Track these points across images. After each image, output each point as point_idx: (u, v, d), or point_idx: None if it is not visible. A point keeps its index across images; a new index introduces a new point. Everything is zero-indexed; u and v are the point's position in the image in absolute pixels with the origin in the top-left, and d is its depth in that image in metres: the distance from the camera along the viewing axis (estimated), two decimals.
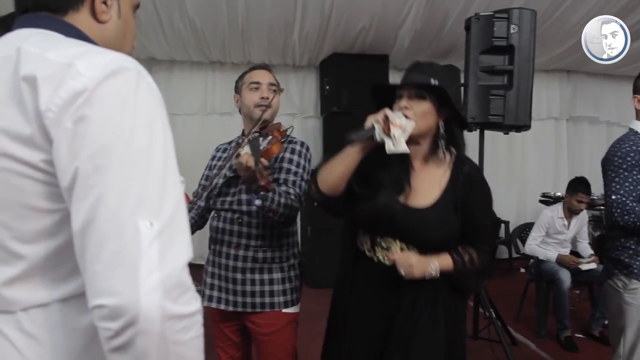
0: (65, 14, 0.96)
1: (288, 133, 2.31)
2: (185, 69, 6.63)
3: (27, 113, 0.80)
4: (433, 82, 1.81)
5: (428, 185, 1.84)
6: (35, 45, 0.86)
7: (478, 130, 3.79)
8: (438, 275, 1.79)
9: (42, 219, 0.85)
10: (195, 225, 2.43)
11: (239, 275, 2.18)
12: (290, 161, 2.22)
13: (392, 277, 1.80)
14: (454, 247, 1.85)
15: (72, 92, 0.78)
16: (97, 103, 0.79)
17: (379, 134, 1.71)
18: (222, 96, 6.57)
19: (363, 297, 1.92)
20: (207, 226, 2.42)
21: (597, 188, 4.41)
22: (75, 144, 0.78)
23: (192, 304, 0.81)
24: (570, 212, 4.53)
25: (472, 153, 3.91)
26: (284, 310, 2.20)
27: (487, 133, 3.85)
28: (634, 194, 2.29)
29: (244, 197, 2.17)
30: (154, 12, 4.96)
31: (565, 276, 4.20)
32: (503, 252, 6.83)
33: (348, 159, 1.81)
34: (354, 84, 5.65)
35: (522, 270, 6.30)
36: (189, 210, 2.41)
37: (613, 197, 2.33)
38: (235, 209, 2.21)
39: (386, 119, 1.71)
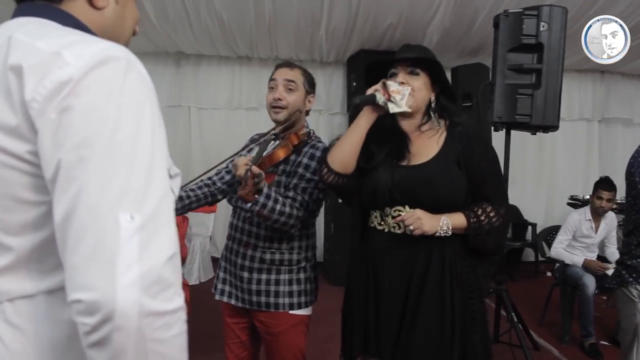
0: (61, 1, 0.95)
1: (307, 139, 2.23)
2: (213, 63, 6.65)
3: (14, 103, 0.79)
4: None
5: (426, 146, 1.94)
6: (26, 34, 0.85)
7: (504, 130, 3.71)
8: (450, 231, 1.82)
9: (29, 211, 0.84)
10: (196, 204, 2.37)
11: (245, 274, 2.18)
12: (307, 167, 2.16)
13: (405, 245, 1.88)
14: (467, 206, 1.89)
15: (58, 82, 0.77)
16: (83, 93, 0.78)
17: (380, 99, 1.86)
18: (248, 91, 6.60)
19: (382, 268, 1.94)
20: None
21: None
22: (59, 134, 0.77)
23: (175, 300, 0.79)
24: (598, 215, 4.42)
25: (498, 153, 3.86)
26: (290, 312, 2.18)
27: (516, 133, 3.78)
28: None
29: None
30: (182, 6, 4.97)
31: (590, 281, 4.09)
32: (529, 255, 6.72)
33: (357, 130, 1.93)
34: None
35: (549, 274, 6.18)
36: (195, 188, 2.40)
37: None
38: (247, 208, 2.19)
39: (384, 86, 1.87)
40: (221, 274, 2.30)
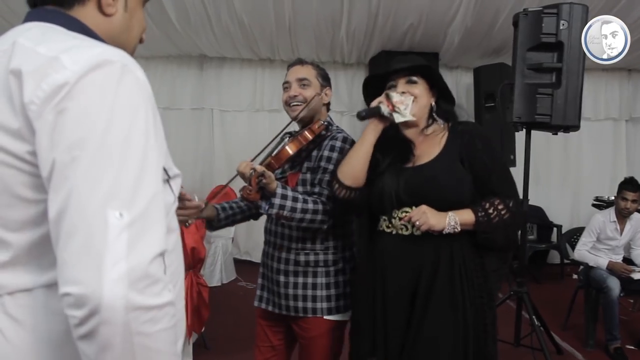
0: (71, 7, 0.99)
1: (325, 132, 2.17)
2: (236, 66, 6.71)
3: (15, 106, 0.83)
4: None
5: (429, 147, 1.96)
6: (30, 39, 0.88)
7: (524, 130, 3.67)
8: (458, 228, 1.81)
9: (28, 208, 0.87)
10: (233, 216, 2.35)
11: (282, 278, 2.14)
12: (328, 159, 2.11)
13: (413, 246, 1.88)
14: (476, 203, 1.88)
15: (54, 85, 0.80)
16: (78, 96, 0.81)
17: (384, 110, 1.89)
18: (271, 93, 6.64)
19: (389, 271, 1.92)
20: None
21: None
22: (55, 135, 0.80)
23: (163, 295, 0.81)
24: (622, 217, 4.34)
25: (520, 153, 3.80)
26: (326, 317, 2.12)
27: (541, 133, 3.73)
28: None
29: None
30: (203, 10, 5.03)
31: (614, 284, 4.00)
32: (555, 257, 6.62)
33: (365, 144, 1.95)
34: None
35: (575, 276, 6.08)
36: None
37: None
38: None
39: (388, 98, 1.90)
40: (259, 280, 2.28)
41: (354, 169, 1.94)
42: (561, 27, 3.32)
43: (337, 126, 2.27)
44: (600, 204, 5.74)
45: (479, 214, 1.83)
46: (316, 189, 2.08)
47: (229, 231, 6.01)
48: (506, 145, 5.73)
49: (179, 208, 1.03)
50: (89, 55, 0.84)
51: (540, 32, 3.38)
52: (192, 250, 3.29)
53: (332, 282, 2.14)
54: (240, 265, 6.29)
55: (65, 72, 0.81)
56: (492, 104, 5.72)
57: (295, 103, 2.17)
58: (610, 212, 4.43)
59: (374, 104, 1.92)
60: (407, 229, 1.90)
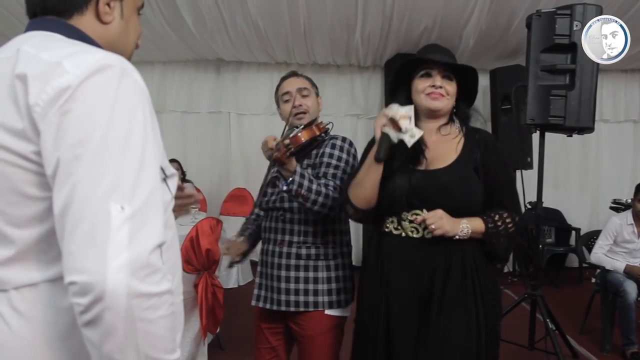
0: (70, 17, 1.04)
1: (328, 129, 2.32)
2: (252, 69, 6.77)
3: (20, 109, 0.88)
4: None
5: (445, 151, 1.93)
6: (33, 46, 0.94)
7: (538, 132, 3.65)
8: (469, 233, 1.82)
9: (33, 205, 0.92)
10: (255, 234, 2.45)
11: (283, 273, 2.18)
12: (331, 155, 2.21)
13: (422, 250, 1.87)
14: (484, 212, 1.88)
15: (58, 89, 0.85)
16: (80, 98, 0.86)
17: (395, 137, 1.81)
18: None
19: (396, 275, 1.92)
20: None
21: None
22: (59, 135, 0.85)
23: (162, 284, 0.86)
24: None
25: (537, 156, 3.77)
26: (327, 312, 2.17)
27: (558, 136, 3.70)
28: None
29: (285, 193, 2.18)
30: (218, 14, 5.08)
31: (631, 288, 3.94)
32: (573, 260, 6.55)
33: (373, 171, 1.91)
34: None
35: (593, 280, 6.01)
36: (251, 222, 2.50)
37: None
38: (278, 207, 2.24)
39: (391, 121, 1.81)
40: (257, 280, 2.32)
41: (366, 193, 1.93)
42: (575, 28, 3.30)
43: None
44: (618, 206, 5.67)
45: (489, 225, 1.84)
46: (322, 181, 2.13)
47: None
48: (523, 147, 5.70)
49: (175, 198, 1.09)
50: (90, 61, 0.89)
51: (553, 33, 3.36)
52: (207, 252, 3.32)
53: (333, 277, 2.19)
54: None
55: (68, 76, 0.86)
56: (509, 106, 5.69)
57: (300, 111, 2.27)
58: (628, 215, 4.36)
59: (378, 133, 1.84)
60: (417, 232, 1.88)
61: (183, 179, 5.55)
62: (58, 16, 1.04)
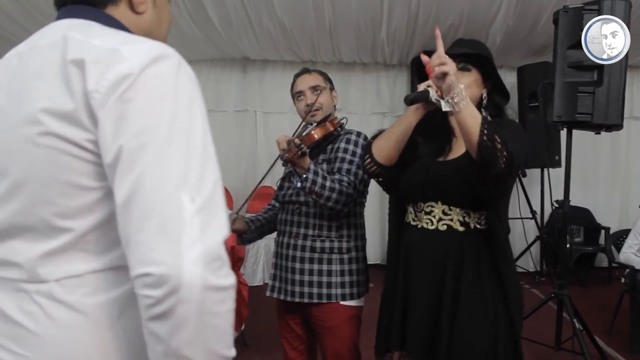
0: (104, 7, 1.03)
1: (343, 124, 2.38)
2: (278, 68, 6.79)
3: (73, 93, 0.86)
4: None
5: (462, 143, 1.85)
6: (80, 33, 0.92)
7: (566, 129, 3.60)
8: (463, 102, 1.62)
9: (84, 196, 0.90)
10: (267, 226, 2.52)
11: (297, 265, 2.24)
12: (345, 150, 2.25)
13: (437, 242, 1.87)
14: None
15: (119, 76, 0.84)
16: (142, 86, 0.85)
17: (433, 95, 1.77)
18: None
19: (413, 265, 1.93)
20: None
21: None
22: (121, 123, 0.83)
23: (229, 278, 0.85)
24: None
25: (564, 153, 3.71)
26: (342, 303, 2.22)
27: (587, 133, 3.66)
28: None
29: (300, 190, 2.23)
30: (244, 13, 5.11)
31: None
32: (603, 260, 6.44)
33: (404, 124, 1.89)
34: None
35: (623, 280, 5.91)
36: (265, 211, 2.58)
37: None
38: (294, 200, 2.30)
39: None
40: (272, 271, 2.38)
41: (389, 148, 1.91)
42: None
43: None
44: None
45: (485, 126, 1.63)
46: (336, 177, 2.17)
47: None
48: (550, 145, 5.63)
49: None
50: (147, 48, 0.88)
51: (580, 29, 3.31)
52: (232, 249, 3.34)
53: (347, 270, 2.25)
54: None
55: (127, 63, 0.85)
56: (536, 104, 5.63)
57: (314, 109, 2.31)
58: None
59: (421, 87, 1.82)
60: (432, 224, 1.89)
61: None
62: (91, 6, 1.02)
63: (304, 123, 2.30)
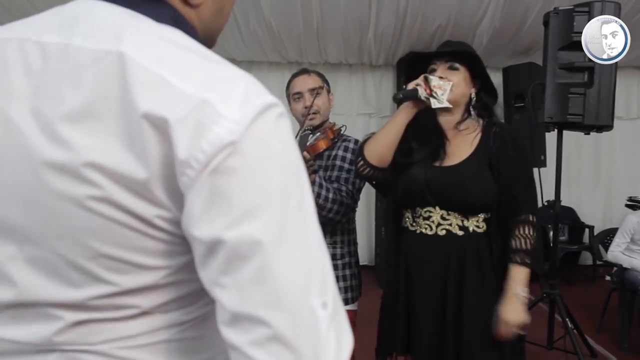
0: None
1: (342, 132, 2.36)
2: (263, 69, 6.76)
3: (148, 159, 0.62)
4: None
5: (460, 147, 1.93)
6: (140, 50, 0.64)
7: (556, 130, 3.63)
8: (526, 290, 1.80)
9: (144, 276, 0.69)
10: None
11: None
12: (344, 159, 2.24)
13: (436, 247, 1.89)
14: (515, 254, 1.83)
15: (219, 145, 0.60)
16: (244, 153, 0.61)
17: (422, 93, 1.84)
18: None
19: (413, 273, 1.94)
20: None
21: None
22: (217, 204, 0.61)
23: None
24: None
25: (550, 154, 3.75)
26: None
27: (571, 133, 3.68)
28: None
29: None
30: (231, 14, 5.06)
31: None
32: (587, 258, 6.53)
33: (395, 123, 1.92)
34: None
35: (607, 277, 5.98)
36: None
37: None
38: None
39: (426, 81, 1.86)
40: None
41: (381, 149, 1.92)
42: None
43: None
44: (635, 204, 5.63)
45: (527, 261, 1.82)
46: (334, 185, 2.16)
47: None
48: (536, 145, 5.67)
49: None
50: (243, 96, 0.63)
51: (571, 30, 3.32)
52: None
53: (340, 276, 2.25)
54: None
55: (227, 124, 0.60)
56: (522, 104, 5.68)
57: (313, 111, 2.28)
58: None
59: (411, 85, 1.87)
60: (430, 229, 1.89)
61: None
62: None
63: (301, 130, 2.27)
